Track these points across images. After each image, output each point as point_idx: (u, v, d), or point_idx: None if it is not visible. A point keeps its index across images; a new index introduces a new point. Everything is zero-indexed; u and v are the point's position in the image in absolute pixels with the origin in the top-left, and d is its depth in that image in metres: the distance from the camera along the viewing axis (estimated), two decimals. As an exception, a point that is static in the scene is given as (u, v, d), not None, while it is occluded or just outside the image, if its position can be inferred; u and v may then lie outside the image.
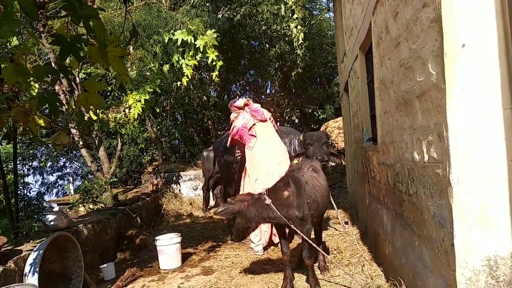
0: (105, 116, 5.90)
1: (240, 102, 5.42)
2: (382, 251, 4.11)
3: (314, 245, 3.49)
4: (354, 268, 4.16)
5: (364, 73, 5.18)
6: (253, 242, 5.17)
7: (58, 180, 14.58)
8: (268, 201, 3.32)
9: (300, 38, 8.41)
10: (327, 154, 5.18)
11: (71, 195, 11.28)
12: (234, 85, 16.32)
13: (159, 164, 10.44)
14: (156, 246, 4.86)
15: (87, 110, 4.26)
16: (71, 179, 14.39)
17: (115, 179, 9.24)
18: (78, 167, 14.28)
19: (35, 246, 3.70)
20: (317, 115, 16.47)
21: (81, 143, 6.35)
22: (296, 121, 16.04)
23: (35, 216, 11.61)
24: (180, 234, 5.00)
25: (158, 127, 11.05)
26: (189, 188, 9.81)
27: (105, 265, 4.55)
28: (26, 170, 12.15)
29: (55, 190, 14.61)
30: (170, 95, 10.48)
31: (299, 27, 8.39)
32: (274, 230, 5.18)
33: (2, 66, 4.32)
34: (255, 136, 5.19)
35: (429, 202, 2.28)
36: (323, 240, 4.55)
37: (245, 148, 5.27)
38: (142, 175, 10.51)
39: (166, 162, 10.81)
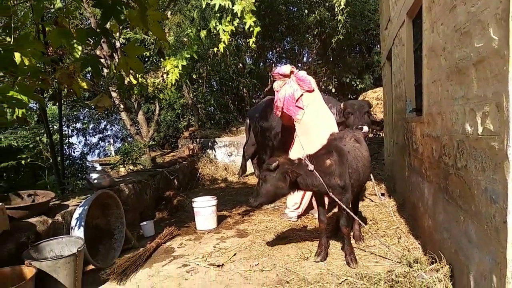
0: (144, 80, 5.98)
1: (286, 69, 5.12)
2: (420, 224, 4.01)
3: (352, 214, 3.45)
4: (390, 240, 4.10)
5: (411, 40, 4.86)
6: (288, 208, 5.20)
7: (100, 141, 15.26)
8: (311, 167, 3.27)
9: (342, 3, 8.00)
10: (369, 123, 4.99)
11: (112, 156, 11.77)
12: (270, 53, 16.00)
13: (195, 129, 10.60)
14: (193, 208, 5.00)
15: (127, 73, 4.31)
16: (111, 141, 14.99)
17: (153, 143, 9.50)
18: (118, 130, 14.82)
19: (80, 202, 3.91)
20: (355, 84, 15.93)
21: (121, 106, 6.51)
22: (333, 90, 15.61)
23: (79, 174, 12.30)
24: (216, 197, 5.11)
25: (194, 93, 11.13)
26: (224, 154, 9.94)
27: (144, 222, 4.76)
28: (70, 131, 12.73)
29: (97, 151, 15.33)
30: (207, 62, 10.44)
31: (341, -10, 7.97)
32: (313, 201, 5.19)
33: (47, 29, 4.42)
34: (302, 108, 4.98)
35: (480, 177, 2.15)
36: (359, 210, 4.50)
37: (294, 121, 5.07)
38: (179, 140, 10.74)
39: (201, 128, 10.96)
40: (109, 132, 15.26)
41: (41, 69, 3.35)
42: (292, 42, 15.79)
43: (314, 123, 4.99)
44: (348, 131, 4.05)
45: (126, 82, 5.35)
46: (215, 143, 10.03)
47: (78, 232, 3.41)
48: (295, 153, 5.19)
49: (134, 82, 5.50)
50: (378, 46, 17.37)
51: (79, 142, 14.55)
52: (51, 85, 4.14)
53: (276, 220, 5.14)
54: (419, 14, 4.40)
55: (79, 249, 3.01)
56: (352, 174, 3.53)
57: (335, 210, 4.89)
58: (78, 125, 12.61)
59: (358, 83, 16.18)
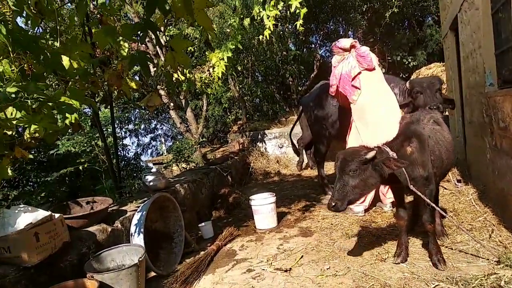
0: (191, 76, 5.79)
1: (346, 42, 4.63)
2: (517, 215, 3.44)
3: (438, 208, 2.99)
4: (479, 234, 3.57)
5: (488, 2, 4.18)
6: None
7: (151, 141, 15.59)
8: (393, 154, 2.80)
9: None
10: (442, 102, 4.39)
11: (165, 155, 11.91)
12: (313, 37, 15.34)
13: (244, 123, 10.38)
14: (251, 206, 4.75)
15: (174, 69, 4.10)
16: (162, 140, 15.25)
17: (203, 139, 9.42)
18: (168, 128, 15.02)
19: (138, 207, 3.78)
20: (407, 62, 14.92)
21: (171, 104, 6.39)
22: (383, 70, 14.68)
23: (135, 174, 12.61)
24: (274, 194, 4.81)
25: (240, 86, 10.89)
26: (275, 146, 9.62)
27: (203, 223, 4.59)
28: (123, 133, 13.09)
29: (149, 151, 15.69)
30: (251, 52, 10.14)
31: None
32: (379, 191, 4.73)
33: (93, 30, 4.32)
34: (359, 88, 4.50)
35: None
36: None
37: (350, 102, 4.64)
38: (228, 134, 10.59)
39: (250, 121, 10.73)
40: (159, 131, 15.55)
41: (90, 72, 3.21)
42: (336, 23, 15.04)
43: (371, 105, 4.49)
44: (424, 112, 3.53)
45: (174, 79, 5.18)
46: (265, 135, 9.73)
47: (138, 239, 3.26)
48: (352, 141, 4.74)
49: (182, 78, 5.32)
50: (430, 18, 16.12)
51: (132, 143, 14.96)
52: (101, 87, 4.04)
53: (341, 216, 4.73)
54: (500, -30, 3.76)
55: (140, 259, 2.85)
56: (434, 162, 3.06)
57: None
58: (130, 126, 12.91)
59: (410, 60, 15.15)
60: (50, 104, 2.40)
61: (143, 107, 8.22)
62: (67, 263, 2.78)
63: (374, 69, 4.65)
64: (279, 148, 9.57)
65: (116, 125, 7.31)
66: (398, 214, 3.21)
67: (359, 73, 4.56)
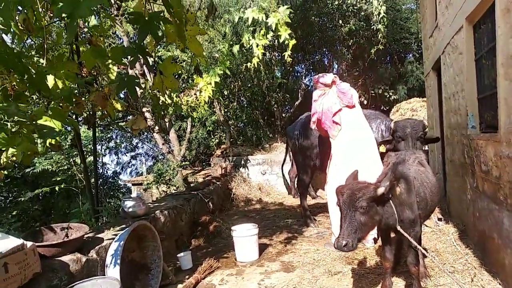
0: (178, 99, 5.74)
1: (328, 78, 4.73)
2: (497, 259, 3.46)
3: (423, 250, 2.96)
4: (461, 277, 3.56)
5: (472, 48, 4.35)
6: (333, 236, 4.72)
7: (132, 160, 15.28)
8: (388, 195, 2.72)
9: (382, 11, 7.54)
10: (422, 150, 4.40)
11: (145, 175, 11.65)
12: (299, 65, 15.63)
13: (227, 147, 10.31)
14: (232, 236, 4.63)
15: (162, 93, 4.04)
16: (143, 159, 14.98)
17: (186, 163, 9.27)
18: (149, 148, 14.79)
19: (115, 235, 3.61)
20: (388, 96, 15.38)
21: (156, 128, 6.29)
22: (365, 102, 15.07)
23: (112, 193, 12.26)
24: (256, 225, 4.71)
25: (225, 110, 10.88)
26: (258, 172, 9.56)
27: (182, 254, 4.42)
28: (103, 150, 12.79)
29: (129, 170, 15.35)
30: (238, 77, 10.20)
31: (381, -2, 7.53)
32: None
33: (81, 49, 4.24)
34: (339, 124, 4.58)
35: None
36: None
37: (329, 136, 4.72)
38: (211, 158, 10.48)
39: (233, 145, 10.66)
40: (140, 150, 15.29)
41: (75, 92, 3.11)
42: (322, 54, 15.42)
43: (350, 142, 4.56)
44: (409, 152, 3.56)
45: (160, 101, 5.11)
46: (248, 161, 9.68)
47: (114, 271, 3.09)
48: (330, 176, 4.75)
49: (169, 101, 5.25)
50: (411, 55, 16.77)
51: (111, 161, 14.63)
52: (85, 108, 3.93)
53: (323, 251, 4.66)
54: (484, 19, 3.93)
55: (115, 295, 2.68)
56: (419, 204, 3.05)
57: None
58: (111, 143, 12.65)
59: (391, 94, 15.63)
60: (31, 127, 2.30)
61: (127, 129, 8.06)
62: (35, 297, 2.59)
63: (354, 106, 4.74)
64: (262, 174, 9.52)
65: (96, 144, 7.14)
66: (384, 256, 3.16)
67: (340, 109, 4.65)
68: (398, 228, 2.88)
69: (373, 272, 3.87)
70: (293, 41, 6.45)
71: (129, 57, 2.74)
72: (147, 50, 2.99)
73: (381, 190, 2.67)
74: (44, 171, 6.39)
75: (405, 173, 3.03)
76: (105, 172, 12.54)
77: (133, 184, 10.93)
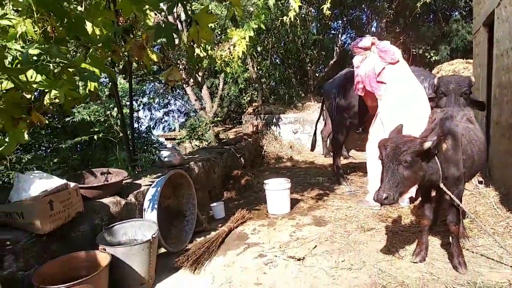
0: (213, 53, 5.62)
1: (366, 41, 4.53)
2: (545, 224, 3.29)
3: (467, 210, 2.85)
4: (502, 239, 3.42)
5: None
6: (369, 194, 4.66)
7: (164, 116, 15.53)
8: (434, 149, 2.59)
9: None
10: (466, 107, 4.12)
11: (177, 131, 11.84)
12: (335, 22, 14.91)
13: (259, 105, 10.20)
14: (264, 189, 4.66)
15: (198, 44, 3.95)
16: (176, 115, 15.19)
17: (218, 119, 9.30)
18: (181, 104, 14.92)
19: (152, 182, 3.71)
20: (429, 56, 14.52)
21: (191, 80, 6.24)
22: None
23: (145, 147, 12.62)
24: (289, 180, 4.71)
25: (258, 67, 10.66)
26: (289, 131, 9.47)
27: (215, 203, 4.51)
28: (137, 105, 13.03)
29: (161, 125, 15.65)
30: (273, 33, 9.87)
31: None
32: None
33: (117, -3, 4.16)
34: (385, 83, 4.39)
35: None
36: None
37: (376, 96, 4.52)
38: (243, 116, 10.44)
39: (265, 104, 10.54)
40: (172, 107, 15.46)
41: (113, 39, 3.09)
42: (361, 10, 14.60)
43: (398, 99, 4.34)
44: (457, 108, 3.35)
45: (195, 54, 5.03)
46: (280, 120, 9.57)
47: (151, 215, 3.19)
48: (375, 133, 4.60)
49: (203, 54, 5.16)
50: (457, 13, 15.56)
51: (145, 116, 14.92)
52: (122, 57, 3.93)
53: (356, 208, 4.62)
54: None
55: (153, 236, 2.78)
56: (465, 162, 2.90)
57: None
58: (144, 99, 12.83)
59: (432, 54, 14.76)
60: (72, 70, 2.30)
61: (162, 81, 8.08)
62: (79, 234, 2.73)
63: (398, 61, 4.50)
64: (293, 133, 9.42)
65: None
66: (423, 213, 3.08)
67: (383, 68, 4.46)
68: (442, 185, 2.76)
69: (407, 230, 3.81)
70: (332, -7, 6.09)
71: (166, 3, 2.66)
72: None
73: (427, 145, 2.54)
74: (82, 122, 6.59)
75: (453, 129, 2.86)
76: (140, 127, 12.83)
77: (166, 139, 11.16)
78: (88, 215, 2.83)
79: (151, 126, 14.50)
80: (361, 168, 7.00)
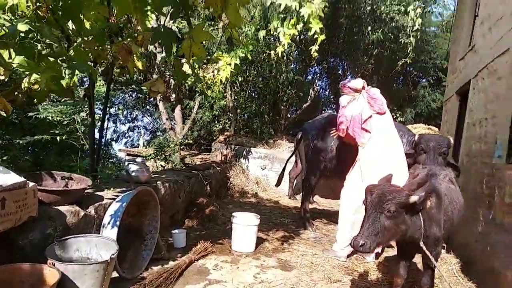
0: (200, 72, 5.48)
1: (358, 83, 4.50)
2: (509, 298, 3.28)
3: (442, 273, 2.77)
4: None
5: (513, 73, 4.16)
6: (337, 244, 4.53)
7: (129, 131, 14.92)
8: (419, 206, 2.52)
9: (417, 24, 7.30)
10: (443, 167, 4.24)
11: (144, 148, 11.34)
12: (312, 67, 15.35)
13: (231, 135, 10.07)
14: (230, 224, 4.41)
15: (188, 59, 3.79)
16: (142, 132, 14.65)
17: (189, 141, 9.00)
18: (149, 122, 14.46)
19: (116, 196, 3.38)
20: (395, 116, 15.28)
21: (173, 96, 6.00)
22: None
23: (102, 160, 11.93)
24: (258, 216, 4.50)
25: (236, 97, 10.62)
26: (257, 166, 9.33)
27: (177, 231, 4.19)
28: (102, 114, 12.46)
29: (124, 140, 14.99)
30: (256, 66, 9.95)
31: (418, 10, 7.28)
32: None
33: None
34: (369, 132, 4.35)
35: None
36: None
37: (358, 144, 4.47)
38: (213, 143, 10.22)
39: (237, 134, 10.42)
40: (139, 123, 14.92)
41: (106, 35, 2.87)
42: (340, 59, 15.20)
43: (383, 150, 4.34)
44: (438, 167, 3.37)
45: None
46: (250, 153, 9.44)
47: (111, 232, 2.85)
48: (351, 180, 4.56)
49: (189, 71, 5.01)
50: (425, 80, 16.64)
51: (108, 127, 14.25)
52: (105, 58, 3.67)
53: (321, 256, 4.45)
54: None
55: (112, 256, 2.45)
56: (445, 223, 2.87)
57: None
58: (112, 110, 12.30)
59: (398, 115, 15.56)
60: (61, 57, 2.06)
61: (144, 90, 7.75)
62: (27, 242, 2.35)
63: (385, 113, 4.54)
64: (261, 169, 9.30)
65: (99, 104, 6.83)
66: (398, 271, 2.97)
67: (370, 116, 4.44)
68: (422, 244, 2.69)
69: (374, 286, 3.69)
70: (323, 36, 6.20)
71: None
72: (190, 5, 2.78)
73: (414, 198, 2.47)
74: (43, 121, 6.07)
75: (437, 187, 2.85)
76: (104, 136, 12.23)
77: (127, 154, 10.62)
78: (41, 222, 2.46)
79: (114, 139, 13.88)
80: (326, 215, 6.93)
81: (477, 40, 5.86)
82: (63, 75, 2.12)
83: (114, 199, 3.23)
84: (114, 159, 12.75)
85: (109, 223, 2.92)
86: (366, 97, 4.47)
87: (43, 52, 1.92)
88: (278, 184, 6.82)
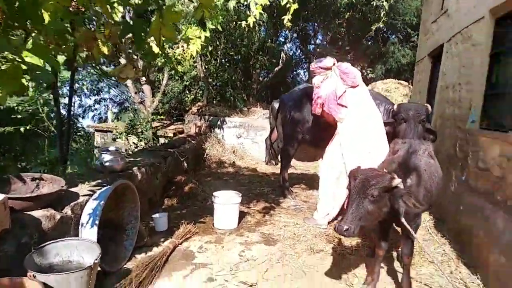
0: (171, 51, 5.21)
1: (328, 62, 4.53)
2: (481, 256, 3.49)
3: (422, 244, 2.89)
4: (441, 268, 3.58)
5: (489, 41, 4.17)
6: (317, 212, 4.65)
7: (95, 104, 14.33)
8: (401, 185, 2.54)
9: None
10: (423, 135, 4.32)
11: (112, 123, 10.96)
12: (281, 31, 15.04)
13: (204, 105, 9.86)
14: (211, 201, 4.41)
15: (157, 41, 3.59)
16: (109, 105, 14.12)
17: (161, 117, 8.76)
18: (116, 94, 13.92)
19: (92, 191, 3.26)
20: (366, 73, 15.42)
21: (143, 79, 5.72)
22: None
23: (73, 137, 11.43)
24: (240, 194, 4.51)
25: (206, 67, 10.30)
26: (233, 135, 9.27)
27: (157, 215, 4.14)
28: (65, 90, 11.82)
29: (91, 114, 14.44)
30: (226, 34, 9.60)
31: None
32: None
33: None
34: (346, 107, 4.37)
35: None
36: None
37: (336, 120, 4.49)
38: (186, 115, 10.01)
39: (210, 104, 10.22)
40: (106, 95, 14.32)
41: (67, 30, 2.62)
42: (310, 23, 14.93)
43: (359, 123, 4.38)
44: (417, 141, 3.41)
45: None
46: (225, 123, 9.33)
47: (91, 232, 2.78)
48: (330, 153, 4.62)
49: (158, 52, 4.75)
50: (394, 36, 16.69)
51: (73, 102, 13.60)
52: (70, 51, 3.40)
53: (303, 225, 4.57)
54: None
55: (95, 261, 2.39)
56: (425, 196, 2.96)
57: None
58: (76, 85, 11.67)
59: (369, 72, 15.71)
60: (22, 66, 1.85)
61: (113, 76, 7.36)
62: (1, 254, 2.24)
63: (358, 85, 4.55)
64: (237, 138, 9.25)
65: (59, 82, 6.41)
66: (379, 244, 3.08)
67: (345, 91, 4.46)
68: (402, 220, 2.77)
69: (355, 254, 3.84)
70: (295, 6, 6.01)
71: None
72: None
73: (397, 182, 2.52)
74: (5, 110, 5.69)
75: (417, 165, 2.91)
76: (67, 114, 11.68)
77: (96, 130, 10.27)
78: (14, 232, 2.34)
79: (80, 114, 13.31)
80: (304, 180, 7.06)
81: (451, 4, 5.80)
82: (27, 86, 1.93)
83: (90, 195, 3.12)
84: (82, 132, 12.21)
85: (87, 222, 2.84)
86: (338, 73, 4.49)
87: (2, 67, 1.71)
88: (268, 161, 6.81)
